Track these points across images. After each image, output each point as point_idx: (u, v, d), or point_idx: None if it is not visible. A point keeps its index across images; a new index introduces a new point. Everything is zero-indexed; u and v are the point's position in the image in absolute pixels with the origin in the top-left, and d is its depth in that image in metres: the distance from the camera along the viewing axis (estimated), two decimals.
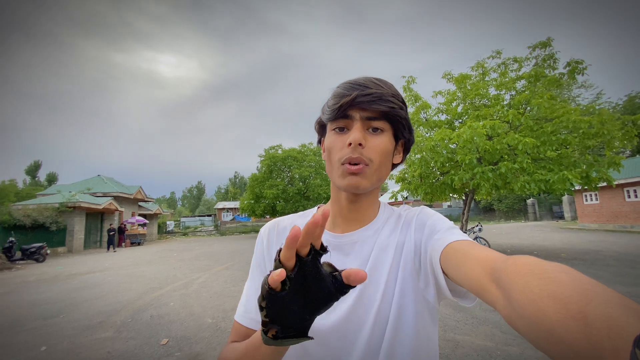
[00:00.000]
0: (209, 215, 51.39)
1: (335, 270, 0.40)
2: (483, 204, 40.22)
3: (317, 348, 0.59)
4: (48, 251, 13.81)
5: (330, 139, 0.62)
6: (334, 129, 0.61)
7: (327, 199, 23.47)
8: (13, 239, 13.19)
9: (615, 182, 16.41)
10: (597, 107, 8.12)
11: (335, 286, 0.39)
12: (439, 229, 0.57)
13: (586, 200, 20.14)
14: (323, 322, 0.59)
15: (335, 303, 0.52)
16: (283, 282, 0.37)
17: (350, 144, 0.57)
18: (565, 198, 29.05)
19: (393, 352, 0.56)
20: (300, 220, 0.73)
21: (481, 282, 0.41)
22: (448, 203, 41.96)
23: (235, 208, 45.74)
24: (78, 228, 17.47)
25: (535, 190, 7.46)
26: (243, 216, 34.24)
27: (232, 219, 41.86)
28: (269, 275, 0.37)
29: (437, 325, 0.62)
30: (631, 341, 0.21)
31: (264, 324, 0.40)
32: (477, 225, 10.12)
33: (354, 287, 0.39)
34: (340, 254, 0.64)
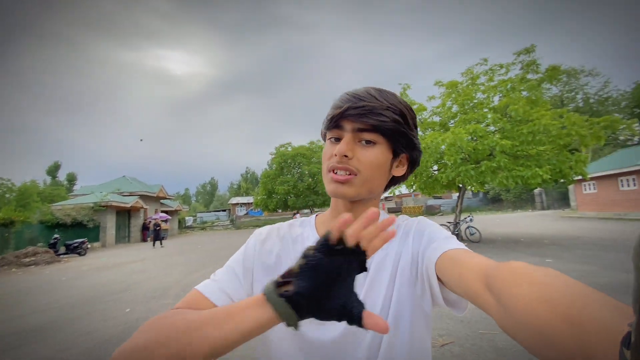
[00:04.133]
0: (224, 210, 53.46)
1: (361, 302, 0.40)
2: (491, 195, 40.88)
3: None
4: (88, 246, 15.60)
5: (325, 148, 0.65)
6: (329, 138, 0.64)
7: None
8: (57, 236, 14.95)
9: (610, 172, 17.32)
10: (567, 111, 9.11)
11: (350, 308, 0.39)
12: (436, 239, 0.58)
13: (585, 189, 20.93)
14: (324, 336, 0.59)
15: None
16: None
17: (336, 155, 0.59)
18: (571, 187, 29.65)
19: None
20: (296, 228, 0.73)
21: (475, 288, 0.42)
22: (457, 194, 42.71)
23: (248, 203, 47.50)
24: (110, 225, 19.35)
25: (512, 185, 8.63)
26: (256, 211, 35.97)
27: (246, 214, 43.57)
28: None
29: (431, 333, 0.64)
30: (619, 341, 0.21)
31: (286, 273, 0.40)
32: (468, 216, 11.30)
33: (362, 326, 0.39)
34: None
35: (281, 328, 0.52)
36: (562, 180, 9.62)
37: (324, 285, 0.38)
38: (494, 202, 41.92)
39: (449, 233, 0.61)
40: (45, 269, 10.95)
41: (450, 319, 3.88)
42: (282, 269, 0.49)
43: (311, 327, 0.59)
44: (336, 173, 0.61)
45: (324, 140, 0.70)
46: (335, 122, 0.61)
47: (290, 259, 0.67)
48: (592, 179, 19.27)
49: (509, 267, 0.38)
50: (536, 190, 36.70)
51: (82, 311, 5.23)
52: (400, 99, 0.64)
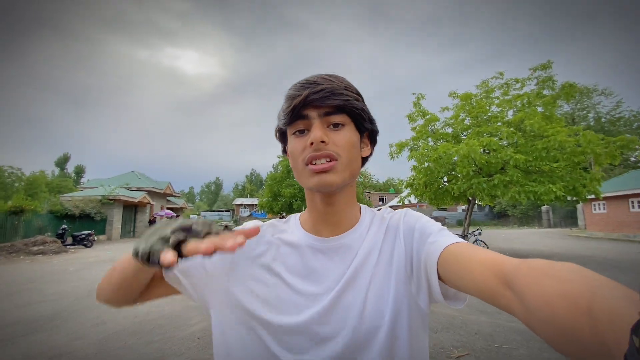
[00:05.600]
0: (227, 211, 53.72)
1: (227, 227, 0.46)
2: (497, 209, 40.50)
3: (287, 344, 0.55)
4: (95, 238, 15.71)
5: (292, 144, 0.60)
6: (293, 133, 0.60)
7: None
8: (65, 227, 15.12)
9: (621, 193, 17.10)
10: (582, 129, 9.03)
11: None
12: (430, 232, 0.56)
13: (595, 209, 20.65)
14: (291, 319, 0.56)
15: (304, 302, 0.57)
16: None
17: (312, 144, 0.55)
18: (579, 206, 29.28)
19: None
20: (275, 225, 0.70)
21: (492, 287, 0.40)
22: (463, 207, 42.59)
23: (252, 204, 47.62)
24: (117, 219, 19.50)
25: (524, 200, 8.55)
26: (260, 212, 36.06)
27: (250, 215, 43.70)
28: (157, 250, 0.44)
29: (427, 331, 0.60)
30: (629, 329, 0.22)
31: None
32: (477, 229, 11.19)
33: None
34: (324, 258, 0.61)
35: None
36: (574, 198, 9.50)
37: None
38: (500, 217, 41.56)
39: (439, 224, 0.59)
40: (53, 258, 11.05)
41: (465, 331, 3.84)
42: (267, 256, 0.63)
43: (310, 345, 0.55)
44: (315, 164, 0.56)
45: (281, 141, 0.67)
46: (298, 112, 0.57)
47: (273, 248, 0.65)
48: (602, 198, 19.04)
49: (529, 265, 0.37)
50: (544, 207, 36.32)
51: (91, 302, 5.25)
52: (349, 81, 0.62)
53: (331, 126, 0.58)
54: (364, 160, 0.66)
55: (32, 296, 5.66)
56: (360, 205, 0.69)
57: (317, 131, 0.56)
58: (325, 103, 0.56)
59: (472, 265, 0.45)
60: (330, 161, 0.56)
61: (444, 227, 0.58)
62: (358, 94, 0.61)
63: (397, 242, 0.60)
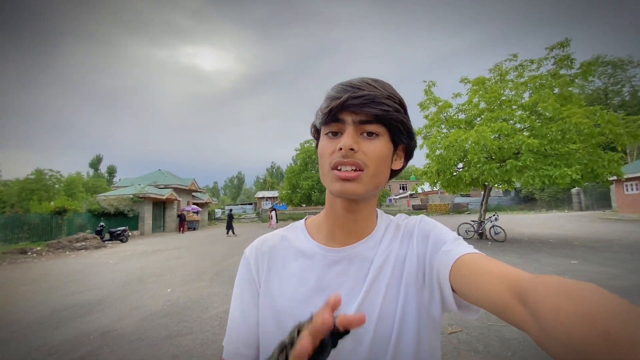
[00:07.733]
0: (250, 204, 55.25)
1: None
2: (524, 193, 39.15)
3: None
4: (130, 233, 16.91)
5: (322, 144, 0.60)
6: (326, 133, 0.59)
7: None
8: (103, 224, 16.36)
9: None
10: (601, 109, 8.71)
11: (332, 340, 0.37)
12: (445, 240, 0.56)
13: (627, 190, 19.72)
14: None
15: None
16: None
17: (340, 149, 0.55)
18: (613, 187, 27.82)
19: None
20: (285, 237, 0.69)
21: (505, 301, 0.39)
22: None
23: (273, 197, 48.74)
24: (147, 215, 20.77)
25: (539, 184, 8.50)
26: (281, 205, 36.96)
27: (271, 207, 44.82)
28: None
29: (439, 338, 0.60)
30: None
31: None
32: (493, 215, 11.17)
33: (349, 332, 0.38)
34: (339, 270, 0.60)
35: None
36: (596, 181, 9.28)
37: None
38: (527, 201, 40.14)
39: (455, 233, 0.59)
40: (94, 253, 12.12)
41: None
42: (282, 272, 0.63)
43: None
44: (340, 170, 0.56)
45: (315, 138, 0.66)
46: (334, 115, 0.56)
47: (284, 259, 0.66)
48: (634, 179, 18.17)
49: (544, 281, 0.36)
50: (574, 190, 34.69)
51: (130, 290, 5.92)
52: (394, 89, 0.61)
53: (365, 134, 0.56)
54: (395, 172, 0.64)
55: (78, 286, 6.42)
56: (378, 210, 0.68)
57: (347, 138, 0.55)
58: (362, 110, 0.55)
59: (485, 277, 0.44)
60: (356, 170, 0.55)
61: (460, 237, 0.58)
62: (401, 104, 0.59)
63: (410, 249, 0.60)
